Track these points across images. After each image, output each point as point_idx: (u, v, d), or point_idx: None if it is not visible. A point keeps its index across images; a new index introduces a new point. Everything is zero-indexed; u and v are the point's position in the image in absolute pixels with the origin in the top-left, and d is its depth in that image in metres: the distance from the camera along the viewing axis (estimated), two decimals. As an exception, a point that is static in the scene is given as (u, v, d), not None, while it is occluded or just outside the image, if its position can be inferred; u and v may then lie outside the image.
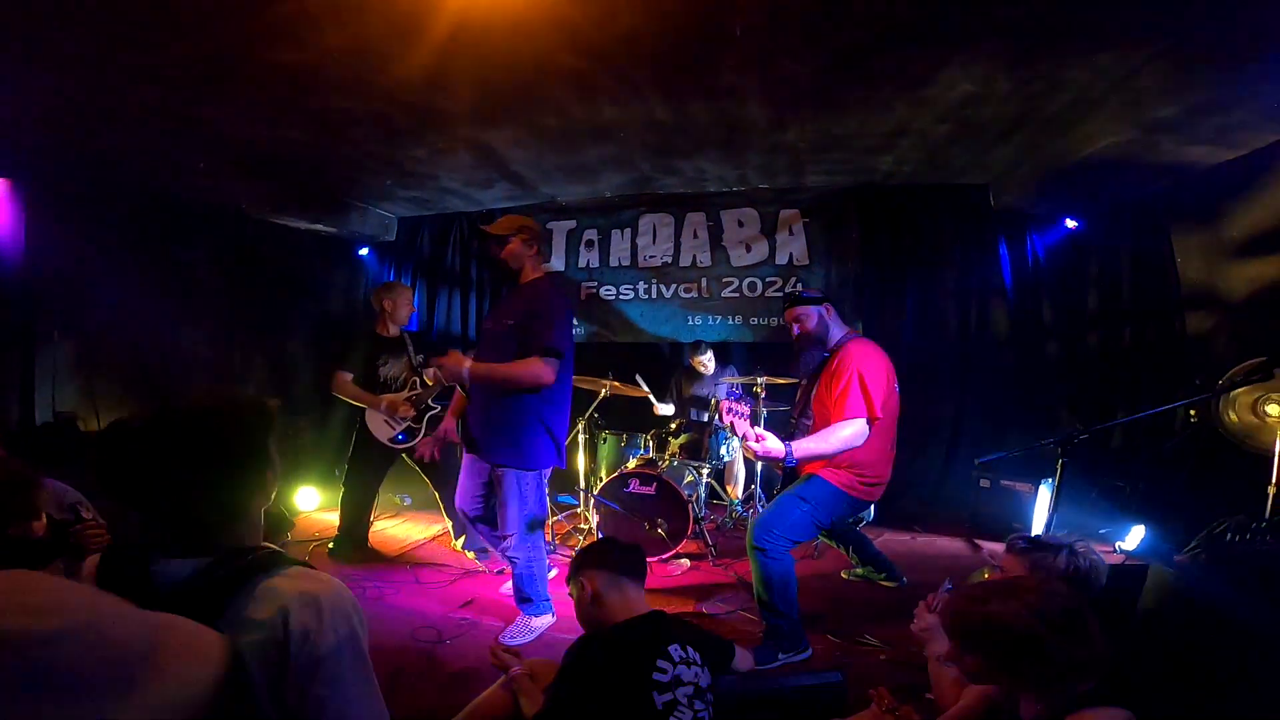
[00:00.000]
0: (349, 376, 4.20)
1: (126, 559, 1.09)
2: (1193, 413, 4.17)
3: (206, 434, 1.10)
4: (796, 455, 2.80)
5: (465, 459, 3.33)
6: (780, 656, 2.93)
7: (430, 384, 4.30)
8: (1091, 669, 1.41)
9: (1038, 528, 4.28)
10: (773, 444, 2.77)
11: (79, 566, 2.08)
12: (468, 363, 2.98)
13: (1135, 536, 4.07)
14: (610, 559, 2.15)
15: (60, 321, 4.38)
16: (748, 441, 2.79)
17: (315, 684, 1.02)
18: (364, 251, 6.85)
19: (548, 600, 3.27)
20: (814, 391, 3.12)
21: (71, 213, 4.31)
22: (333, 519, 5.11)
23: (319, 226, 5.90)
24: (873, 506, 4.77)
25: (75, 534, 2.21)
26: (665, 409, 5.43)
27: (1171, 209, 4.66)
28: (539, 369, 2.91)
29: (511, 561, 3.18)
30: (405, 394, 4.26)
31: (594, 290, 6.43)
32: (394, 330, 4.36)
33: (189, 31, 2.84)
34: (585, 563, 2.17)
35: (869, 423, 2.84)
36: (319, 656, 1.02)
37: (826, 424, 2.91)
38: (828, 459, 2.93)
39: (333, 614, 1.05)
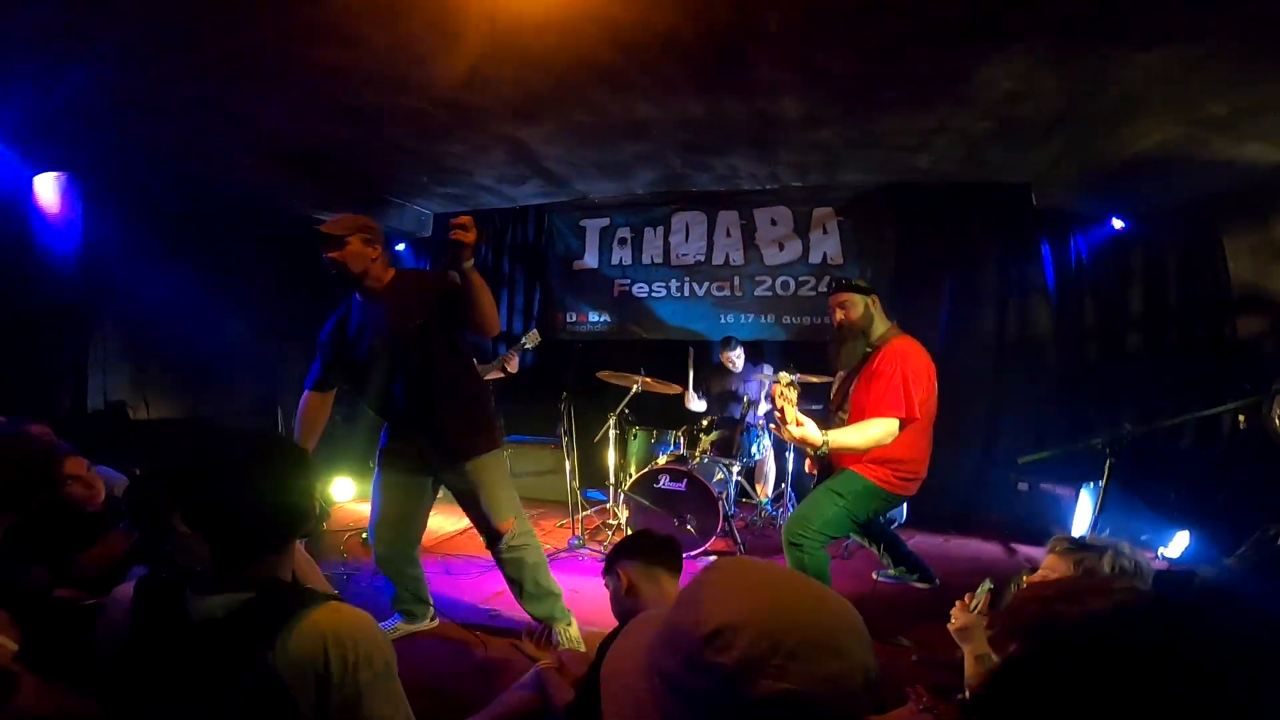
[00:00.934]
0: None
1: (161, 592, 1.16)
2: (1241, 417, 4.03)
3: (275, 468, 1.19)
4: (832, 445, 2.81)
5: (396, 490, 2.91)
6: None
7: (489, 368, 4.53)
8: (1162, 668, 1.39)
9: (1079, 532, 4.18)
10: (811, 430, 2.78)
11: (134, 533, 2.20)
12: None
13: (1179, 543, 3.96)
14: (646, 551, 2.14)
15: (113, 311, 4.55)
16: (788, 426, 2.78)
17: (357, 714, 1.08)
18: (400, 247, 6.96)
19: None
20: (853, 385, 3.10)
21: (125, 205, 4.46)
22: (367, 509, 5.24)
23: (358, 221, 6.01)
24: (904, 507, 4.72)
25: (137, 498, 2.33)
26: (698, 405, 5.42)
27: (1223, 209, 4.52)
28: None
29: (519, 551, 2.85)
30: None
31: (627, 287, 6.44)
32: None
33: (235, 28, 2.92)
34: (622, 554, 2.16)
35: (904, 423, 2.81)
36: (359, 688, 1.09)
37: (863, 418, 2.90)
38: (860, 453, 2.91)
39: (370, 648, 1.12)
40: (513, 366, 4.96)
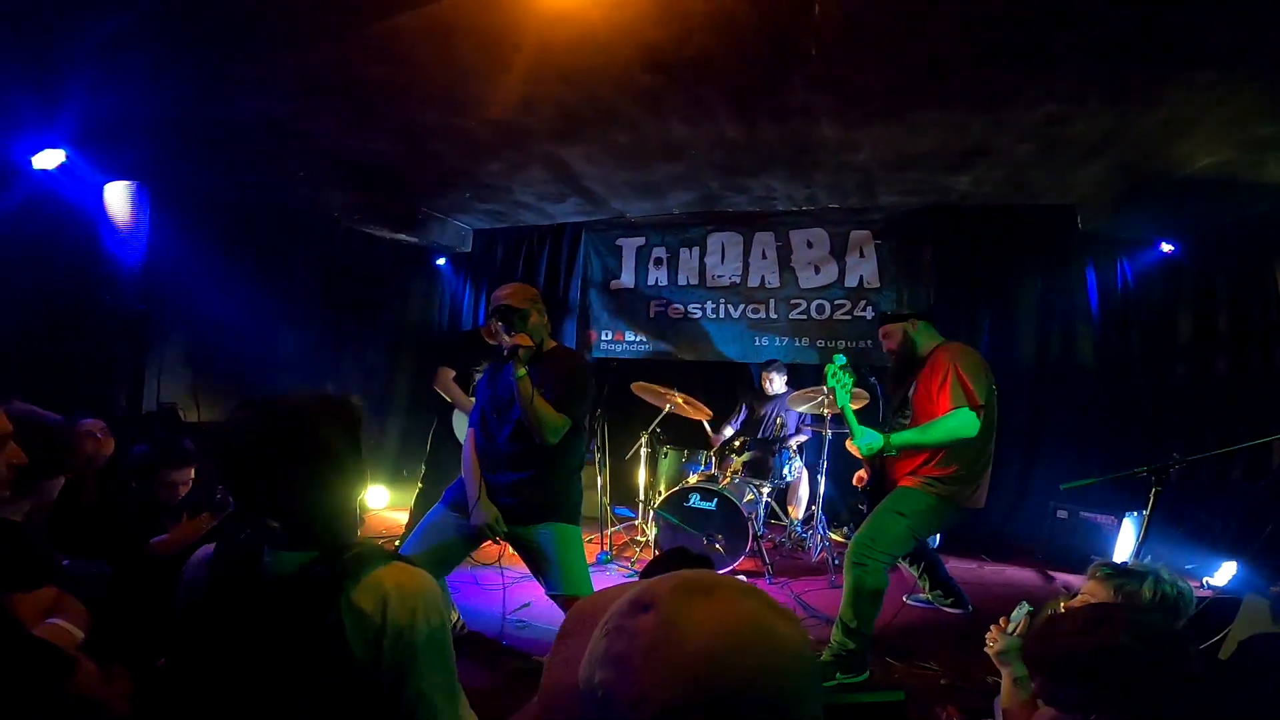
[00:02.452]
0: (451, 373, 4.50)
1: (239, 551, 1.19)
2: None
3: (308, 432, 1.16)
4: (895, 443, 2.90)
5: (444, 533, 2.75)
6: (839, 677, 2.88)
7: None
8: (1183, 692, 1.37)
9: (1121, 559, 4.06)
10: (870, 436, 2.92)
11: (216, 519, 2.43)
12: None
13: (1226, 573, 3.83)
14: (678, 568, 2.16)
15: (171, 317, 4.77)
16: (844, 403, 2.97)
17: (409, 671, 1.12)
18: (441, 261, 7.14)
19: None
20: (913, 391, 3.12)
21: (188, 214, 4.68)
22: (400, 517, 5.33)
23: (401, 236, 6.21)
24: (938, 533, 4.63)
25: (221, 492, 2.57)
26: (723, 434, 5.41)
27: (1275, 232, 4.38)
28: None
29: None
30: None
31: (662, 308, 6.49)
32: (494, 340, 4.64)
33: (293, 45, 3.08)
34: (655, 571, 2.19)
35: (975, 411, 2.82)
36: (415, 647, 1.12)
37: (925, 420, 2.95)
38: (924, 460, 2.93)
39: (425, 606, 1.14)
40: None
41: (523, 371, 2.53)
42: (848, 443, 3.06)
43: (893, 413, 3.24)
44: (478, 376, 4.66)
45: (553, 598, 2.66)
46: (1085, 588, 2.03)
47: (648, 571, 2.22)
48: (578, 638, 0.72)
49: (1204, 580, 3.94)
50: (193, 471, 2.69)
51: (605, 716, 0.61)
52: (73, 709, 1.32)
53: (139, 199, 4.33)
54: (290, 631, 1.10)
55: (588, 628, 0.71)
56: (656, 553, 4.47)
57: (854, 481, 3.43)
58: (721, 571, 4.16)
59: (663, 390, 4.91)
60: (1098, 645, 1.41)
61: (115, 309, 4.41)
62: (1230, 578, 3.87)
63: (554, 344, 2.80)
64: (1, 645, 1.25)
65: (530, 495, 2.62)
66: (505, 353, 2.59)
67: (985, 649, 2.07)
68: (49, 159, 3.89)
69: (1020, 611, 2.11)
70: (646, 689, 0.58)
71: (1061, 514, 4.69)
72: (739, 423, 5.49)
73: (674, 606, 0.63)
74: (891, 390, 3.33)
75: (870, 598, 2.90)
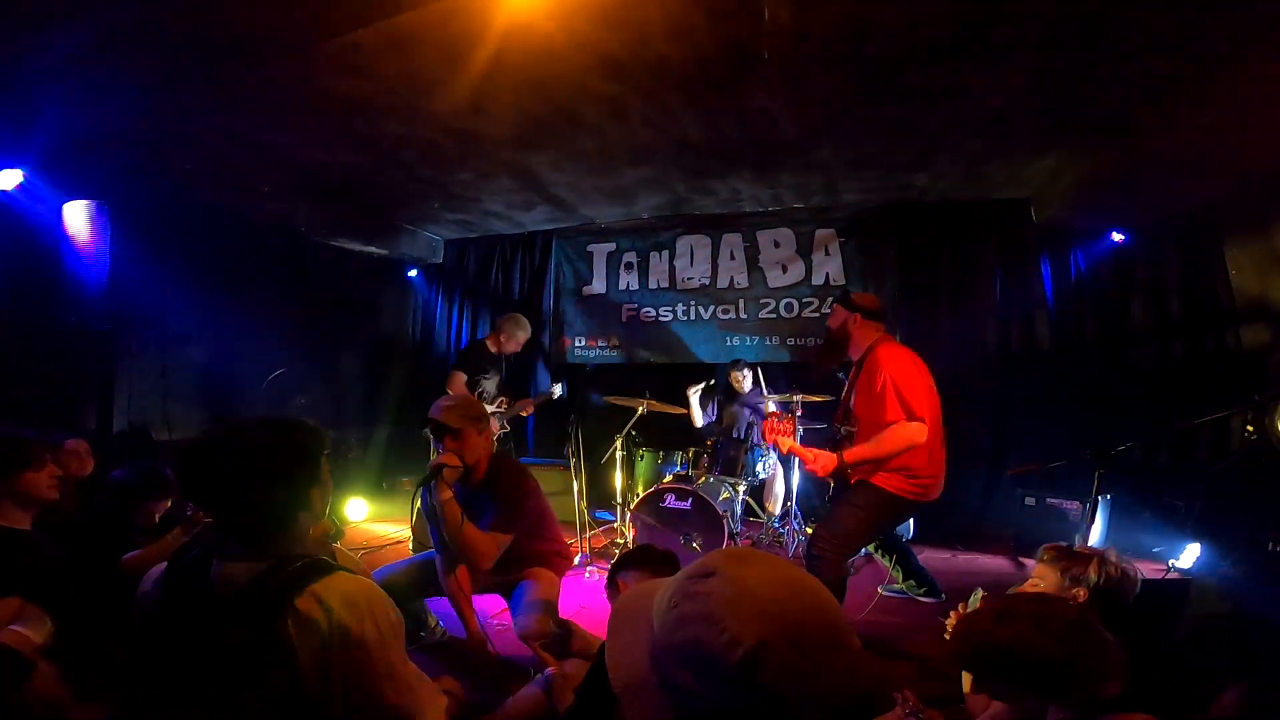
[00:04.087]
0: (464, 378, 4.73)
1: (190, 563, 1.26)
2: (1250, 429, 4.03)
3: (265, 450, 1.25)
4: (849, 460, 2.94)
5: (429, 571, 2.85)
6: None
7: (513, 406, 5.06)
8: (1110, 675, 1.41)
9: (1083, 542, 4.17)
10: (824, 458, 2.97)
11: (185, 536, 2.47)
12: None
13: (1191, 555, 3.93)
14: (645, 562, 2.23)
15: (138, 336, 4.72)
16: (798, 457, 2.98)
17: (365, 673, 1.16)
18: (413, 273, 7.14)
19: None
20: (852, 399, 3.19)
21: (151, 232, 4.65)
22: (380, 529, 5.35)
23: (371, 248, 6.21)
24: (911, 523, 4.72)
25: (190, 508, 2.63)
26: (701, 420, 5.45)
27: (1222, 218, 4.54)
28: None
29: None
30: (493, 408, 4.82)
31: (634, 312, 6.54)
32: (498, 351, 5.03)
33: (258, 58, 3.09)
34: (622, 566, 2.26)
35: (916, 421, 2.86)
36: (367, 651, 1.16)
37: (869, 428, 2.98)
38: (881, 463, 2.97)
39: (372, 609, 1.19)
40: (528, 411, 5.43)
41: (447, 495, 2.49)
42: (807, 468, 3.09)
43: (841, 422, 3.29)
44: (484, 383, 4.81)
45: (518, 628, 2.65)
46: (1035, 571, 2.10)
47: (617, 566, 2.27)
48: (628, 630, 0.86)
49: (1170, 563, 4.02)
50: (169, 502, 2.71)
51: (697, 668, 0.73)
52: (31, 709, 1.37)
53: (99, 218, 4.29)
54: (237, 641, 1.13)
55: (635, 618, 0.85)
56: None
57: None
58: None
59: (632, 402, 4.99)
60: (999, 641, 1.46)
61: (81, 329, 4.36)
62: (1195, 560, 3.96)
63: (499, 460, 2.79)
64: None
65: (516, 572, 2.76)
66: (428, 471, 2.53)
67: (944, 636, 2.13)
68: (6, 179, 3.86)
69: (975, 598, 2.18)
70: (735, 633, 0.71)
71: (1029, 501, 4.79)
72: (713, 411, 5.51)
73: (734, 570, 0.77)
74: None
75: (836, 590, 2.94)
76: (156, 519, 2.72)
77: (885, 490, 2.97)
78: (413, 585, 2.93)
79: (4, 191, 3.90)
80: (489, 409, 4.74)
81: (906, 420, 2.85)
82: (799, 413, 4.71)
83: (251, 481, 1.22)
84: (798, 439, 4.72)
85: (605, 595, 2.26)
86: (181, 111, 3.59)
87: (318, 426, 1.34)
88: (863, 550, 3.84)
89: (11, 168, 3.84)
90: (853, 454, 2.96)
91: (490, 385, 4.98)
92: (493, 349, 5.03)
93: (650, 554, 2.31)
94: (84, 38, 2.72)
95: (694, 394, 5.34)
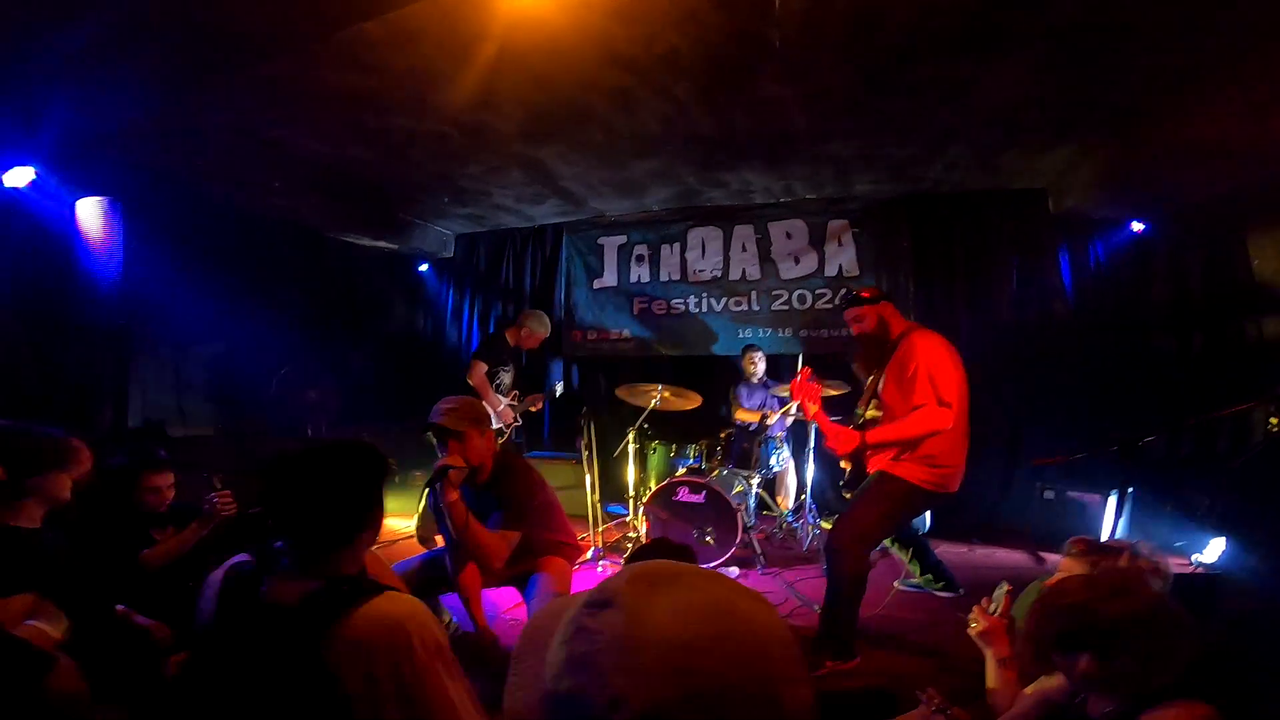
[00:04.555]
0: (485, 368, 4.80)
1: (244, 580, 1.30)
2: (1273, 420, 3.95)
3: (338, 472, 1.32)
4: (870, 441, 2.97)
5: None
6: (828, 664, 2.90)
7: (524, 402, 5.10)
8: (1178, 662, 1.39)
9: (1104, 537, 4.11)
10: (845, 435, 3.01)
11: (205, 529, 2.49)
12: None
13: (1215, 549, 3.86)
14: (660, 556, 2.20)
15: (152, 333, 4.75)
16: (811, 415, 3.01)
17: (418, 689, 1.16)
18: (424, 267, 7.14)
19: None
20: (881, 384, 3.14)
21: (164, 229, 4.68)
22: (394, 524, 5.38)
23: (381, 243, 6.22)
24: (928, 516, 4.67)
25: (210, 501, 2.62)
26: (748, 404, 5.42)
27: (1244, 207, 4.45)
28: None
29: None
30: (508, 400, 4.94)
31: (646, 305, 6.51)
32: (516, 344, 5.10)
33: (267, 54, 3.09)
34: (637, 560, 2.23)
35: (943, 406, 2.83)
36: (416, 668, 1.16)
37: (898, 414, 2.97)
38: (899, 449, 2.96)
39: (420, 628, 1.20)
40: (537, 406, 5.41)
41: (454, 496, 2.50)
42: (826, 444, 3.10)
43: (865, 406, 3.27)
44: (502, 374, 4.84)
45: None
46: (1062, 565, 2.05)
47: (631, 559, 2.25)
48: (533, 657, 0.66)
49: (1193, 558, 3.96)
50: (172, 476, 2.70)
51: (562, 714, 0.56)
52: (52, 704, 1.39)
53: (112, 215, 4.31)
54: (280, 657, 1.15)
55: (539, 648, 0.65)
56: (646, 547, 4.49)
57: (843, 466, 3.46)
58: (715, 564, 4.20)
59: (646, 388, 4.94)
60: (1118, 613, 1.40)
61: (96, 326, 4.39)
62: (1219, 554, 3.90)
63: (504, 460, 2.79)
64: None
65: (527, 563, 2.76)
66: (433, 473, 2.53)
67: (968, 630, 2.09)
68: (18, 177, 3.88)
69: (1000, 592, 2.13)
70: (622, 690, 0.53)
71: (1048, 494, 4.73)
72: (727, 412, 5.48)
73: (636, 601, 0.58)
74: (861, 374, 3.33)
75: (851, 583, 2.92)
76: (166, 496, 2.69)
77: (905, 480, 2.94)
78: (425, 582, 2.94)
79: (16, 189, 3.91)
80: (503, 401, 4.74)
81: (935, 405, 2.82)
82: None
83: (323, 498, 1.28)
84: (813, 435, 4.73)
85: None
86: (190, 107, 3.60)
87: (382, 453, 1.40)
88: (880, 544, 3.80)
89: (23, 165, 3.86)
90: (875, 434, 2.96)
91: (507, 377, 5.02)
92: (511, 342, 5.07)
93: (665, 547, 2.28)
94: (91, 33, 2.73)
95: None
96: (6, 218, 3.95)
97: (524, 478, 2.81)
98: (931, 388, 2.83)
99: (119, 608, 2.20)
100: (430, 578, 2.92)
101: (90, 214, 4.33)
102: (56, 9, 2.61)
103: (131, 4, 2.58)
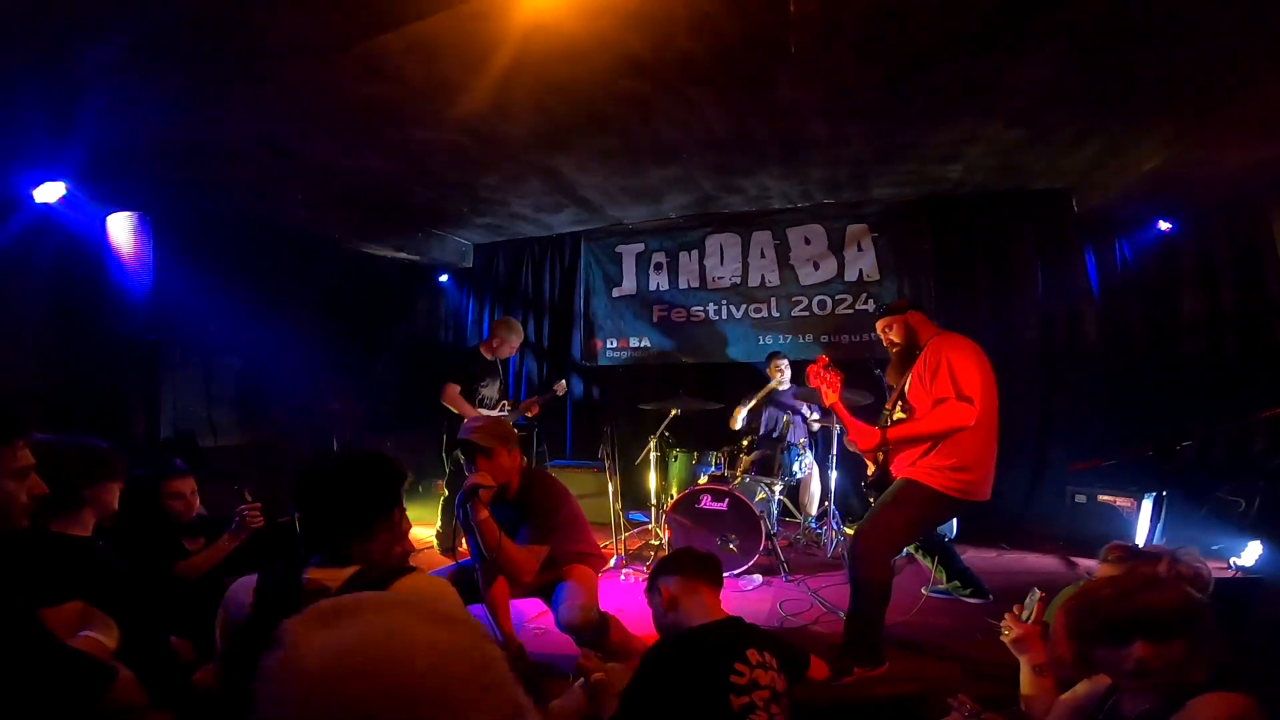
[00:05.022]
0: (457, 389, 4.76)
1: (284, 568, 1.46)
2: (1314, 421, 3.84)
3: (360, 476, 1.50)
4: (891, 438, 2.98)
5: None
6: (856, 670, 2.86)
7: (517, 409, 5.10)
8: (1212, 657, 1.38)
9: (1140, 542, 4.01)
10: (866, 431, 3.03)
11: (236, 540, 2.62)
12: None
13: (1253, 552, 3.76)
14: (686, 566, 2.18)
15: (182, 346, 4.85)
16: (838, 416, 3.03)
17: None
18: (444, 278, 7.20)
19: None
20: (907, 385, 3.13)
21: (192, 243, 4.78)
22: (417, 533, 5.42)
23: (402, 254, 6.28)
24: (954, 522, 4.60)
25: (240, 513, 2.68)
26: (741, 412, 5.37)
27: (1274, 202, 4.34)
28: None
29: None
30: (497, 411, 4.87)
31: (665, 312, 6.51)
32: (493, 356, 5.05)
33: (286, 67, 3.14)
34: (662, 570, 2.21)
35: (964, 400, 2.82)
36: None
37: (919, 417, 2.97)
38: (923, 454, 2.94)
39: (449, 606, 1.28)
40: (534, 411, 5.41)
41: (484, 514, 2.52)
42: (847, 439, 3.09)
43: (892, 407, 3.24)
44: (483, 390, 4.84)
45: (562, 627, 2.71)
46: (1098, 571, 2.01)
47: (656, 570, 2.23)
48: None
49: (1230, 561, 3.87)
50: (193, 483, 2.74)
51: None
52: (112, 716, 1.41)
53: (142, 229, 4.42)
54: None
55: None
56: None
57: (868, 473, 3.43)
58: (738, 571, 4.16)
59: (665, 403, 4.99)
60: (1173, 602, 1.41)
61: (128, 339, 4.49)
62: (1257, 557, 3.80)
63: (529, 473, 2.84)
64: (45, 659, 1.30)
65: (553, 572, 2.79)
66: (463, 491, 2.56)
67: (1001, 637, 2.06)
68: (50, 192, 3.98)
69: (1032, 598, 2.09)
70: None
71: (1079, 498, 4.64)
72: (749, 408, 5.43)
73: (297, 637, 0.61)
74: (892, 382, 3.32)
75: (874, 589, 2.89)
76: (193, 503, 2.74)
77: (928, 486, 2.91)
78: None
79: (48, 204, 4.01)
80: (491, 413, 4.75)
81: (955, 399, 2.82)
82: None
83: (349, 499, 1.46)
84: (836, 441, 4.67)
85: (645, 599, 2.24)
86: (214, 121, 3.66)
87: (400, 462, 1.58)
88: (904, 550, 3.75)
89: (54, 180, 3.95)
90: (897, 431, 2.97)
91: (490, 391, 4.98)
92: (488, 356, 5.02)
93: (691, 556, 2.26)
94: (116, 48, 2.79)
95: (743, 410, 5.29)
96: (39, 233, 4.06)
97: (550, 491, 2.85)
98: (952, 383, 2.84)
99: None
100: (460, 587, 2.93)
101: (121, 229, 4.44)
102: (80, 25, 2.67)
103: (158, 19, 2.63)
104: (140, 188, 4.34)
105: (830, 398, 3.13)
